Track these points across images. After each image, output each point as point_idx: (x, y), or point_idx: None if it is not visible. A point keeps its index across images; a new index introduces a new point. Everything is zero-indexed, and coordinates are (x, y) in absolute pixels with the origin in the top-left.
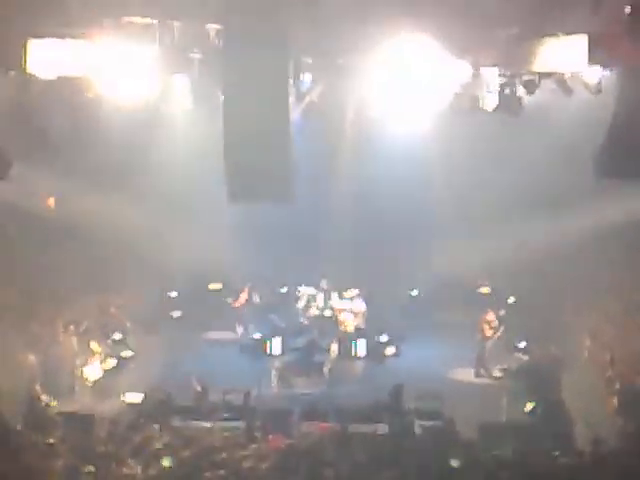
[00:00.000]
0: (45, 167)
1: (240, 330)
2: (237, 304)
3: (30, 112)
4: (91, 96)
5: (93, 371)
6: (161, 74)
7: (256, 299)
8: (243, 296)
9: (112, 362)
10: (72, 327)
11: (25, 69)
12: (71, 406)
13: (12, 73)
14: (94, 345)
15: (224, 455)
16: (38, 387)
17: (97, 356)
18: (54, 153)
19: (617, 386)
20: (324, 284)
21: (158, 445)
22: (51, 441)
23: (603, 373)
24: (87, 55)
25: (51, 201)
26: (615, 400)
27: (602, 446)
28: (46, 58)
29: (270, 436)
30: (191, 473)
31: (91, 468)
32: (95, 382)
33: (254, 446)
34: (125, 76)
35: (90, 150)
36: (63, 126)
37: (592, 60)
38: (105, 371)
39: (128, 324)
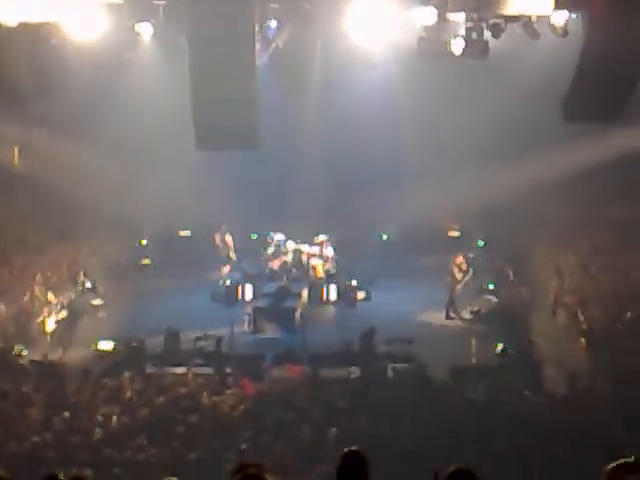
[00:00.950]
0: (8, 117)
1: (226, 269)
2: (214, 242)
3: None
4: (54, 43)
5: (49, 322)
6: (126, 21)
7: (229, 241)
8: (217, 237)
9: (63, 313)
10: (40, 276)
11: None
12: (43, 355)
13: None
14: (50, 296)
15: (198, 401)
16: (9, 336)
17: (53, 307)
18: (17, 102)
19: (585, 326)
20: (295, 232)
21: (130, 392)
22: (24, 389)
23: (572, 313)
24: (51, 1)
25: (16, 151)
26: (584, 340)
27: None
28: (8, 4)
29: (243, 381)
30: (165, 419)
31: (66, 414)
32: (52, 332)
33: (228, 392)
34: (90, 23)
35: (54, 99)
36: (26, 74)
37: (558, 3)
38: (58, 322)
39: (98, 272)
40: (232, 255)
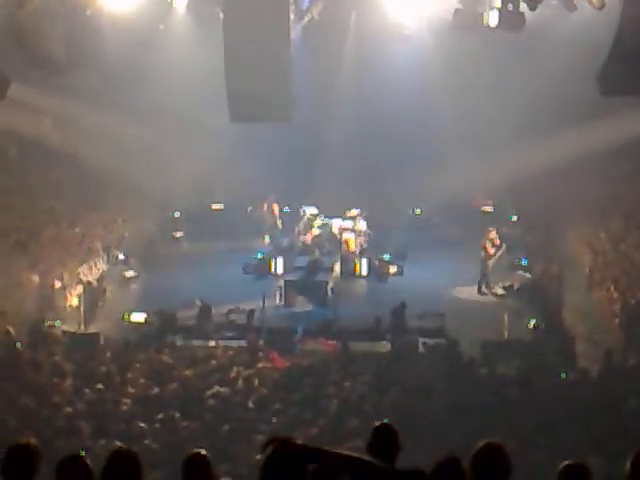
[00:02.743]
0: (42, 87)
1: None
2: (261, 211)
3: (27, 30)
4: (89, 14)
5: (79, 294)
6: None
7: (276, 211)
8: (264, 206)
9: (94, 285)
10: (72, 248)
11: None
12: (75, 326)
13: None
14: (81, 268)
15: (229, 374)
16: (41, 308)
17: (84, 279)
18: (51, 73)
19: (619, 303)
20: (327, 206)
21: (162, 365)
22: (57, 360)
23: (605, 289)
24: None
25: (48, 122)
26: (617, 316)
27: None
28: None
29: (272, 355)
30: (196, 392)
31: (98, 385)
32: (83, 304)
33: (259, 365)
34: None
35: (87, 69)
36: (60, 45)
37: None
38: (89, 294)
39: (130, 245)
40: (279, 224)
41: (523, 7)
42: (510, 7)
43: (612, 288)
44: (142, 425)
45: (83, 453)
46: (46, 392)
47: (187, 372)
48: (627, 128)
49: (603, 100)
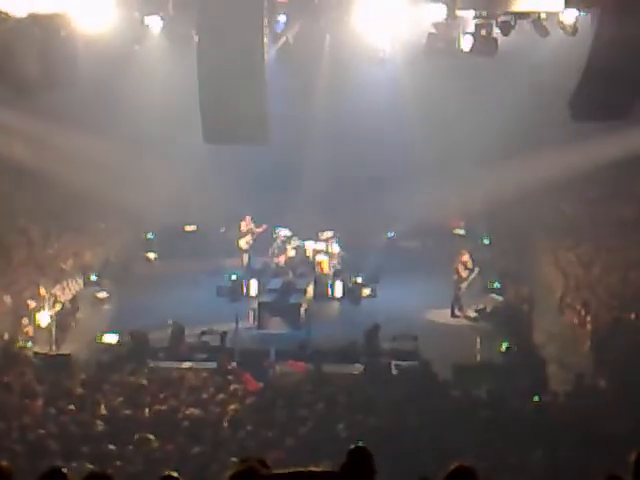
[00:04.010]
0: (15, 108)
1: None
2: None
3: (0, 51)
4: (63, 34)
5: (50, 315)
6: (135, 14)
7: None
8: (244, 225)
9: (66, 306)
10: (44, 269)
11: None
12: (47, 348)
13: None
14: (54, 289)
15: (201, 396)
16: (13, 329)
17: (55, 300)
18: (24, 93)
19: (590, 326)
20: (301, 228)
21: (134, 386)
22: (28, 381)
23: (576, 313)
24: None
25: (22, 142)
26: (588, 340)
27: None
28: None
29: (245, 376)
30: (169, 413)
31: (70, 407)
32: (54, 325)
33: (231, 387)
34: (99, 15)
35: (61, 90)
36: (34, 65)
37: (569, 1)
38: (60, 315)
39: (103, 266)
40: (241, 244)
41: (496, 32)
42: (483, 32)
43: (583, 311)
44: (113, 447)
45: (65, 470)
46: (17, 413)
47: (160, 394)
48: (598, 153)
49: (575, 124)
